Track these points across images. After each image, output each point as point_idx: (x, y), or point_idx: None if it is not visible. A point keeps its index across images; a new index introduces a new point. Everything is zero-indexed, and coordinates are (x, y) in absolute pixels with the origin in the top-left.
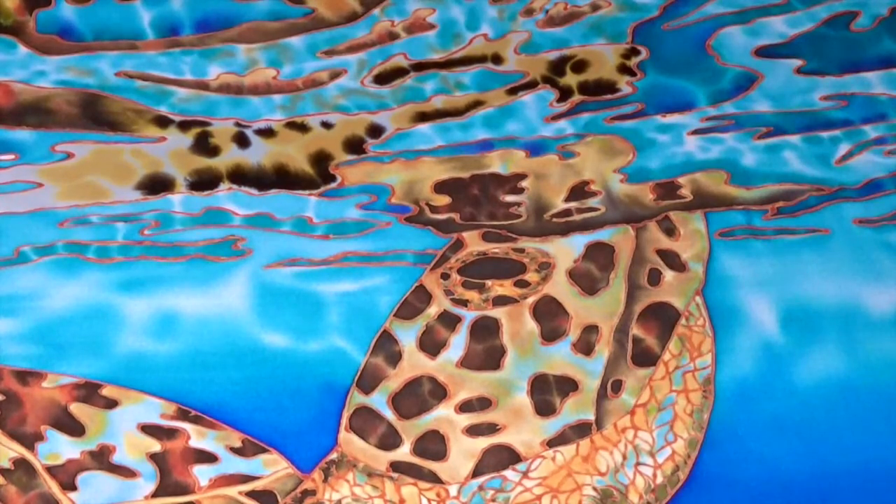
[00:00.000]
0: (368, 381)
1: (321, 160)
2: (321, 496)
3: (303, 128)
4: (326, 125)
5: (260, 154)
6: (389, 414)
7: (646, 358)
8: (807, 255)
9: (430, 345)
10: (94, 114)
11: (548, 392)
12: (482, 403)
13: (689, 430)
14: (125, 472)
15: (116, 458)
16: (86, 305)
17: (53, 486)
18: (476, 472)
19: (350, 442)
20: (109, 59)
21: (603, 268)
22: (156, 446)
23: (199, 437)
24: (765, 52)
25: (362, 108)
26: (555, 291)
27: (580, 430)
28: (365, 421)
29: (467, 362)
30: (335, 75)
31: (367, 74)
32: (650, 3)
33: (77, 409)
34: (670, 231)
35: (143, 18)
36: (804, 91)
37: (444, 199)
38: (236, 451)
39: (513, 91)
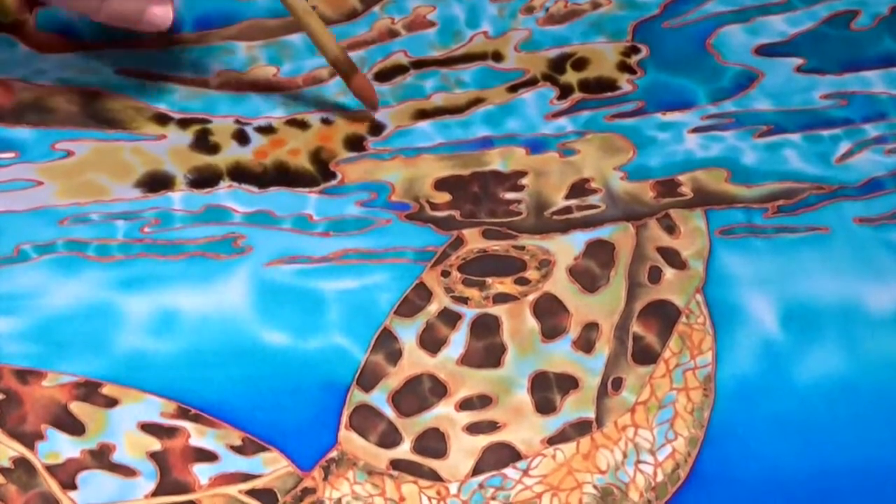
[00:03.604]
0: (369, 379)
1: (321, 157)
2: (321, 494)
3: (303, 125)
4: (326, 122)
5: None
6: (390, 412)
7: (646, 356)
8: (807, 253)
9: (431, 342)
10: (93, 111)
11: (548, 390)
12: (482, 401)
13: (690, 428)
14: (125, 470)
15: (116, 457)
16: (86, 303)
17: (53, 485)
18: (476, 470)
19: (350, 440)
20: (109, 56)
21: (603, 265)
22: (156, 445)
23: (199, 436)
24: (765, 51)
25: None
26: (555, 289)
27: (580, 427)
28: (365, 419)
29: (467, 360)
30: (335, 73)
31: (367, 72)
32: (650, 1)
33: (77, 407)
34: (670, 229)
35: None
36: (804, 89)
37: (444, 197)
38: (236, 449)
39: (513, 89)
